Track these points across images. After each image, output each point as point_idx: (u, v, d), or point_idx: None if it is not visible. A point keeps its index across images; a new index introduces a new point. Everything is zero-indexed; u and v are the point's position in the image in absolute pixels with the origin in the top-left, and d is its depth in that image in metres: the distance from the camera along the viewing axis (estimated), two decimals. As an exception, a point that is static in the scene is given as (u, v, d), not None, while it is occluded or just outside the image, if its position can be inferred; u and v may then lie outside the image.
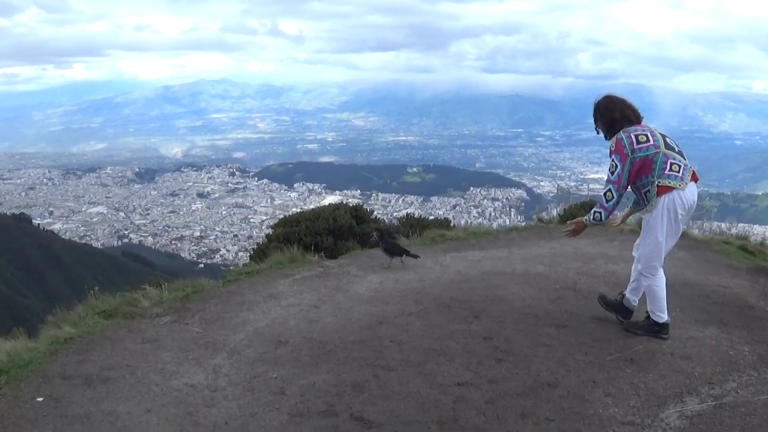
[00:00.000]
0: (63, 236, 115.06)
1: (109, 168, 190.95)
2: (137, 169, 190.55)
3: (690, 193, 6.81)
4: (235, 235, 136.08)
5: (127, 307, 8.41)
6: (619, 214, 7.67)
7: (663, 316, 7.06)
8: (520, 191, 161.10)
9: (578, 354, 6.69)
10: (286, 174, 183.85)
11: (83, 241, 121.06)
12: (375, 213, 19.95)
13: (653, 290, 7.07)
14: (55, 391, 5.88)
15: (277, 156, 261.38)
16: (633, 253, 7.50)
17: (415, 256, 10.91)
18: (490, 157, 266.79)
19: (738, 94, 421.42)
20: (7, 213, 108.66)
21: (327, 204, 19.43)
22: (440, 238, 13.43)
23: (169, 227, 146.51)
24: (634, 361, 6.49)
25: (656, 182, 6.71)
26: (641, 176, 6.81)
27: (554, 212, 19.21)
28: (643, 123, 7.05)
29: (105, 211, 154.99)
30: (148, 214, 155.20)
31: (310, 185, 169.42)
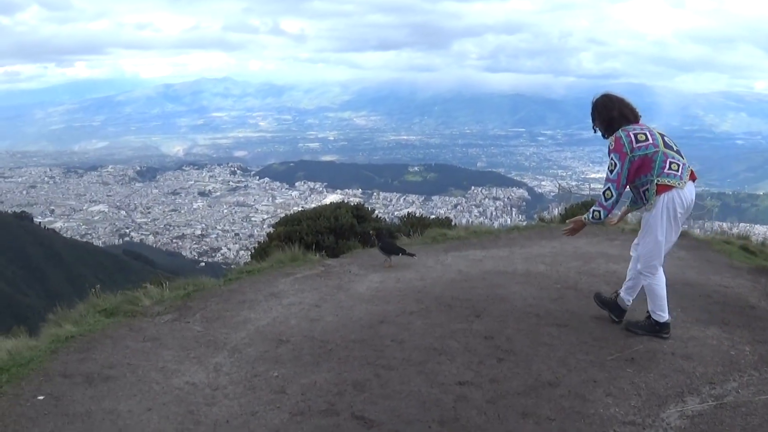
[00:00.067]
0: (64, 235, 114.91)
1: (110, 166, 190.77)
2: (138, 168, 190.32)
3: (688, 192, 6.82)
4: (237, 234, 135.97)
5: (128, 305, 8.42)
6: (616, 213, 7.67)
7: (664, 316, 7.06)
8: (521, 191, 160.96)
9: (579, 353, 6.70)
10: (287, 173, 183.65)
11: (84, 240, 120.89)
12: (376, 212, 19.94)
13: (653, 289, 7.07)
14: (56, 390, 5.88)
15: (279, 155, 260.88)
16: (631, 253, 7.51)
17: (412, 255, 10.91)
18: (492, 157, 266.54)
19: (739, 93, 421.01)
20: (9, 211, 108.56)
21: (328, 203, 19.42)
22: (441, 238, 13.43)
23: (170, 226, 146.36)
24: (635, 361, 6.50)
25: (655, 181, 6.72)
26: (640, 175, 6.82)
27: (555, 212, 19.20)
28: (641, 122, 7.06)
29: (106, 210, 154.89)
30: (149, 212, 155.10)
31: (312, 184, 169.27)
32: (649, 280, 7.07)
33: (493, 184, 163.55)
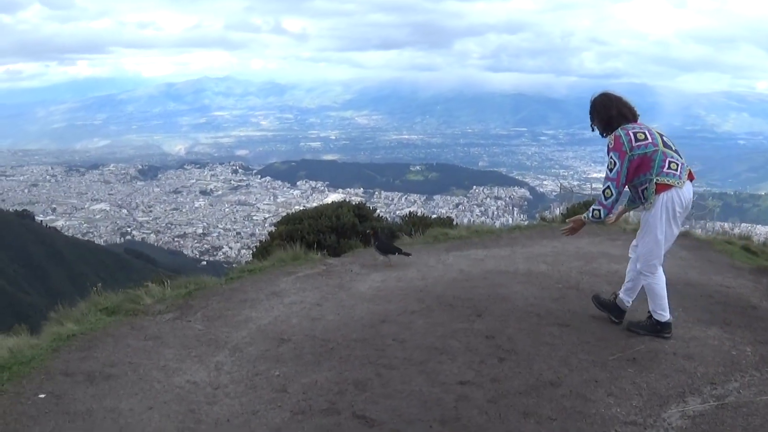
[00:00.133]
0: (66, 233, 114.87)
1: (112, 165, 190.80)
2: (140, 166, 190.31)
3: (687, 191, 6.84)
4: (238, 233, 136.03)
5: (129, 304, 8.43)
6: (614, 212, 7.66)
7: (665, 315, 7.05)
8: (522, 190, 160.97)
9: (581, 353, 6.70)
10: (289, 172, 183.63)
11: (86, 238, 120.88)
12: (378, 211, 19.94)
13: (653, 289, 7.06)
14: (57, 388, 5.89)
15: (280, 154, 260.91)
16: (629, 254, 7.51)
17: (407, 254, 10.92)
18: (494, 156, 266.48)
19: (741, 93, 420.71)
20: (10, 210, 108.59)
21: (330, 202, 19.42)
22: (443, 237, 13.43)
23: (171, 224, 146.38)
24: (637, 361, 6.50)
25: (655, 180, 6.73)
26: (639, 174, 6.82)
27: (557, 211, 19.19)
28: (639, 121, 7.06)
29: (108, 208, 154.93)
30: (150, 211, 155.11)
31: (313, 183, 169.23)
32: (649, 279, 7.07)
33: (494, 184, 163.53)
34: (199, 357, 6.72)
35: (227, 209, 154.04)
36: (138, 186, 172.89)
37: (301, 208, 20.61)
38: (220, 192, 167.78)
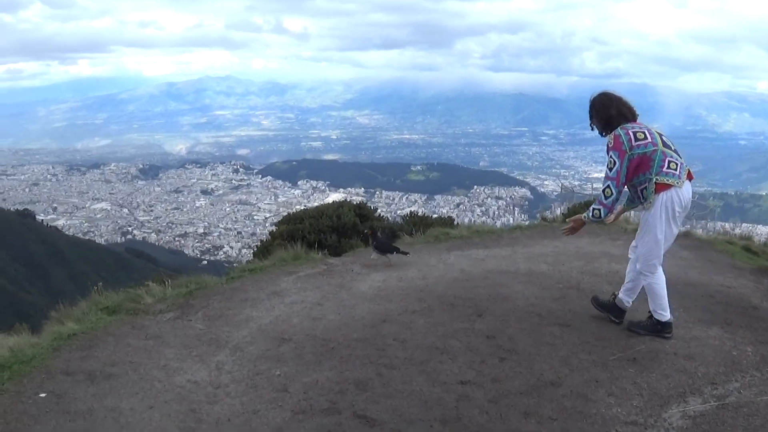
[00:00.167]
0: (67, 232, 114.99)
1: (113, 164, 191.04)
2: (141, 166, 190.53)
3: (686, 191, 6.85)
4: (239, 232, 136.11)
5: (130, 303, 8.42)
6: (613, 212, 7.66)
7: (665, 315, 7.05)
8: (523, 190, 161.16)
9: (581, 353, 6.70)
10: (290, 171, 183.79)
11: (87, 238, 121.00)
12: (379, 211, 19.96)
13: (653, 289, 7.06)
14: (57, 387, 5.89)
15: (281, 153, 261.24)
16: (629, 255, 7.51)
17: (405, 253, 10.96)
18: (494, 156, 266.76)
19: (742, 93, 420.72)
20: (11, 209, 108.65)
21: (331, 202, 19.45)
22: (444, 237, 13.43)
23: (172, 224, 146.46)
24: (637, 361, 6.49)
25: (654, 179, 6.73)
26: (638, 173, 6.82)
27: (558, 211, 19.23)
28: (638, 121, 7.07)
29: (109, 208, 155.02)
30: (151, 210, 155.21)
31: (314, 183, 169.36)
32: (649, 279, 7.07)
33: (495, 184, 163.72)
34: (200, 356, 6.72)
35: (228, 209, 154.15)
36: (139, 185, 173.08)
37: (302, 208, 20.64)
38: (221, 191, 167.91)
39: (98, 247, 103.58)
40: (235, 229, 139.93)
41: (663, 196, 6.72)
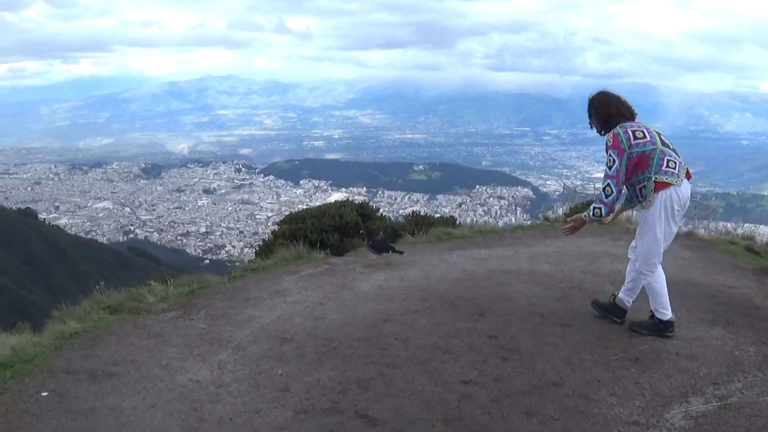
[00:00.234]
0: (69, 231, 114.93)
1: (115, 163, 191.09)
2: (143, 165, 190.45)
3: (685, 189, 6.87)
4: (241, 232, 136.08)
5: (132, 302, 8.43)
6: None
7: (667, 313, 7.06)
8: (526, 190, 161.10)
9: (583, 353, 6.70)
10: (292, 171, 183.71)
11: (89, 237, 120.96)
12: (381, 210, 19.97)
13: (654, 288, 7.07)
14: (59, 386, 5.89)
15: (284, 153, 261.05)
16: (629, 255, 7.51)
17: (401, 252, 10.97)
18: (497, 156, 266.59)
19: (744, 94, 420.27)
20: (13, 208, 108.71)
21: (333, 201, 19.45)
22: (446, 236, 13.43)
23: (174, 223, 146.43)
24: (639, 361, 6.50)
25: (653, 178, 6.75)
26: (637, 172, 6.85)
27: (560, 211, 19.21)
28: (637, 120, 7.08)
29: (111, 207, 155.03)
30: (153, 209, 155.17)
31: (316, 182, 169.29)
32: (649, 278, 7.08)
33: (497, 183, 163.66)
34: (202, 356, 6.72)
35: (230, 208, 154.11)
36: (141, 184, 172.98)
37: (304, 207, 20.63)
38: (223, 191, 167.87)
39: (100, 246, 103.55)
40: (237, 228, 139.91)
41: (662, 194, 6.74)
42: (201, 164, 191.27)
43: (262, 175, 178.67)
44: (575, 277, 9.89)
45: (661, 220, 6.82)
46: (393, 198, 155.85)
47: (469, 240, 13.16)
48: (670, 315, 7.08)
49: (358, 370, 6.33)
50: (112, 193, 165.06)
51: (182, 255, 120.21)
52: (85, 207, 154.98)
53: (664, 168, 6.72)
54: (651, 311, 7.22)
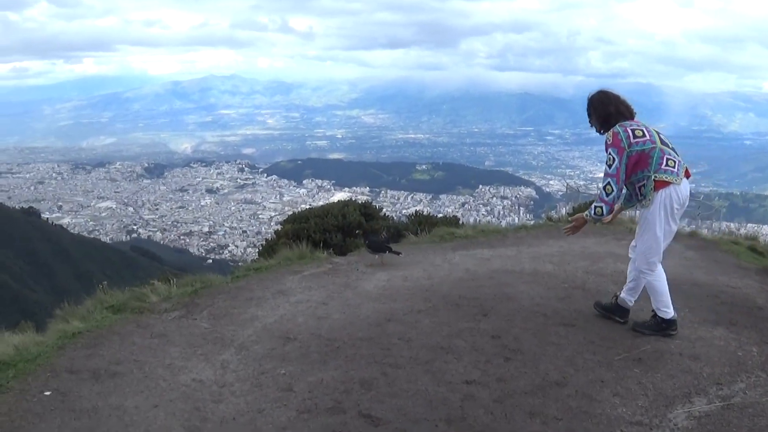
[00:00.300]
0: (72, 231, 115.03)
1: (118, 163, 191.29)
2: (146, 164, 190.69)
3: (684, 188, 6.88)
4: (244, 231, 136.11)
5: (135, 302, 8.43)
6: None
7: (669, 312, 7.07)
8: (529, 190, 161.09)
9: (586, 353, 6.70)
10: (295, 170, 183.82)
11: (92, 236, 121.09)
12: (384, 210, 19.95)
13: (654, 286, 7.09)
14: (62, 385, 5.89)
15: (287, 152, 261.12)
16: (629, 254, 7.51)
17: (398, 253, 10.98)
18: (500, 156, 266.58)
19: (747, 94, 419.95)
20: (16, 207, 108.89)
21: (336, 201, 19.45)
22: (449, 236, 13.43)
23: (177, 222, 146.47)
24: (643, 361, 6.49)
25: (653, 177, 6.76)
26: (637, 171, 6.87)
27: (563, 211, 19.22)
28: (636, 119, 7.09)
29: (114, 206, 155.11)
30: (157, 209, 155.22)
31: (319, 182, 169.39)
32: (649, 277, 7.10)
33: (500, 183, 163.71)
34: (205, 355, 6.73)
35: (233, 207, 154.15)
36: (144, 184, 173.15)
37: (308, 207, 20.64)
38: (226, 190, 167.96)
39: (103, 246, 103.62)
40: (240, 227, 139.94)
41: (662, 193, 6.75)
42: (204, 164, 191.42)
43: (265, 175, 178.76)
44: (578, 277, 9.88)
45: (661, 219, 6.83)
46: (396, 198, 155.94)
47: (472, 240, 13.17)
48: (672, 313, 7.09)
49: (361, 369, 6.33)
50: (115, 192, 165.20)
51: (185, 254, 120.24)
52: (88, 206, 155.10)
53: (663, 167, 6.74)
54: (653, 310, 7.23)
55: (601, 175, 7.04)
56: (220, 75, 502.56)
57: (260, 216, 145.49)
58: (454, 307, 8.32)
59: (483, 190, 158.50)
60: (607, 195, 6.85)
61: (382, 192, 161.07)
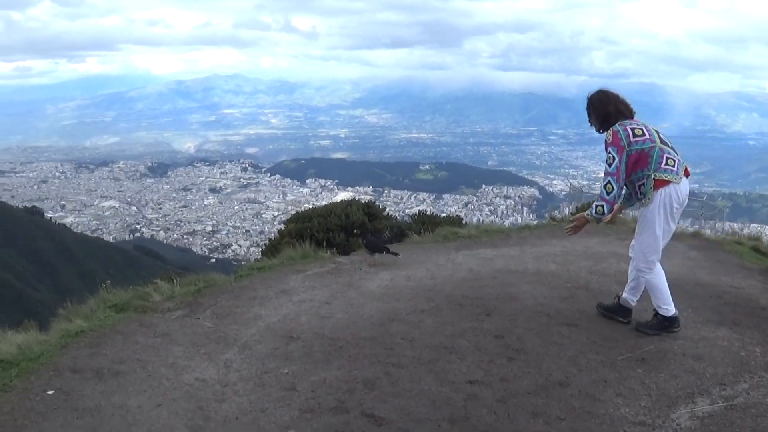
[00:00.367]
0: (75, 230, 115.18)
1: (121, 162, 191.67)
2: (150, 164, 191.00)
3: (684, 187, 6.90)
4: (247, 231, 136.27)
5: (138, 301, 8.43)
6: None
7: (670, 309, 7.08)
8: (532, 189, 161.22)
9: (590, 353, 6.69)
10: (298, 170, 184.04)
11: (95, 235, 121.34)
12: (387, 210, 19.95)
13: (654, 284, 7.11)
14: (65, 385, 5.89)
15: (290, 152, 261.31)
16: (629, 254, 7.50)
17: (395, 254, 10.95)
18: (503, 155, 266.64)
19: (751, 94, 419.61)
20: (20, 206, 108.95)
21: (339, 200, 19.45)
22: (452, 236, 13.43)
23: (181, 222, 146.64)
24: (646, 361, 6.49)
25: (653, 176, 6.78)
26: (636, 169, 6.88)
27: (566, 211, 19.20)
28: (635, 118, 7.10)
29: (117, 205, 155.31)
30: (160, 208, 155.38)
31: (323, 181, 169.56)
32: (647, 275, 7.12)
33: (504, 183, 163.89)
34: (208, 354, 6.73)
35: (236, 207, 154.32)
36: (147, 183, 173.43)
37: (311, 206, 20.65)
38: (229, 190, 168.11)
39: (106, 245, 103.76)
40: (244, 227, 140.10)
41: (662, 192, 6.76)
42: (207, 163, 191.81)
43: (269, 174, 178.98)
44: (582, 277, 9.88)
45: (660, 218, 6.85)
46: (399, 197, 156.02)
47: (475, 240, 13.16)
48: (674, 310, 7.10)
49: (364, 369, 6.33)
50: (118, 191, 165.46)
51: (188, 254, 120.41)
52: (91, 205, 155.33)
53: (663, 166, 6.76)
54: (654, 309, 7.23)
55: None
56: (223, 74, 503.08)
57: (263, 215, 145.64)
58: (458, 307, 8.32)
59: (486, 189, 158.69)
60: (608, 194, 6.85)
61: (386, 191, 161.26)
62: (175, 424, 5.28)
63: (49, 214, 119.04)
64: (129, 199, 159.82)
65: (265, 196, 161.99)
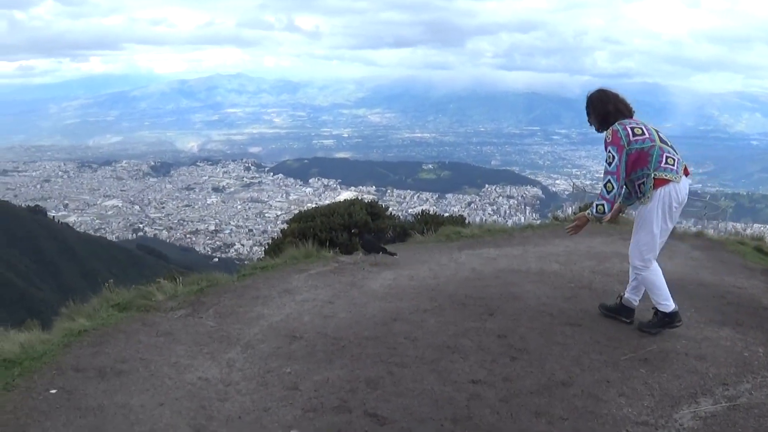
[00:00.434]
0: (78, 229, 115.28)
1: (124, 161, 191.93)
2: (153, 163, 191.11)
3: (683, 186, 6.91)
4: (250, 230, 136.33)
5: (141, 300, 8.43)
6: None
7: (669, 305, 7.07)
8: (535, 189, 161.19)
9: (593, 353, 6.69)
10: (301, 169, 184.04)
11: (98, 234, 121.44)
12: (390, 209, 19.97)
13: (651, 281, 7.10)
14: (68, 384, 5.90)
15: (293, 151, 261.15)
16: (629, 254, 7.50)
17: (392, 254, 10.93)
18: (506, 155, 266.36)
19: (754, 94, 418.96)
20: (23, 205, 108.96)
21: (342, 200, 19.46)
22: (455, 236, 13.42)
23: (184, 221, 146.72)
24: (649, 361, 6.48)
25: (653, 175, 6.79)
26: (636, 168, 6.88)
27: (569, 210, 19.20)
28: (635, 117, 7.11)
29: (120, 204, 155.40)
30: (163, 207, 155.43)
31: (326, 181, 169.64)
32: (644, 273, 7.12)
33: (507, 183, 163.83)
34: (211, 354, 6.73)
35: (239, 206, 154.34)
36: (150, 182, 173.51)
37: (314, 206, 20.67)
38: (232, 189, 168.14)
39: (109, 244, 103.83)
40: (247, 226, 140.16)
41: (661, 191, 6.77)
42: (210, 162, 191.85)
43: (272, 174, 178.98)
44: (585, 276, 9.88)
45: (658, 217, 6.85)
46: (402, 197, 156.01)
47: (478, 239, 13.16)
48: (673, 306, 7.08)
49: (367, 368, 6.33)
50: (121, 191, 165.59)
51: (191, 253, 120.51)
52: (94, 205, 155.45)
53: (663, 165, 6.77)
54: (653, 308, 7.23)
55: (604, 174, 7.04)
56: (226, 74, 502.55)
57: (266, 215, 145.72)
58: (460, 307, 8.32)
59: (489, 189, 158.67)
60: (608, 193, 6.86)
61: (389, 191, 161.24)
62: (178, 423, 5.28)
63: (52, 214, 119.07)
64: (132, 199, 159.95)
65: (268, 196, 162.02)
